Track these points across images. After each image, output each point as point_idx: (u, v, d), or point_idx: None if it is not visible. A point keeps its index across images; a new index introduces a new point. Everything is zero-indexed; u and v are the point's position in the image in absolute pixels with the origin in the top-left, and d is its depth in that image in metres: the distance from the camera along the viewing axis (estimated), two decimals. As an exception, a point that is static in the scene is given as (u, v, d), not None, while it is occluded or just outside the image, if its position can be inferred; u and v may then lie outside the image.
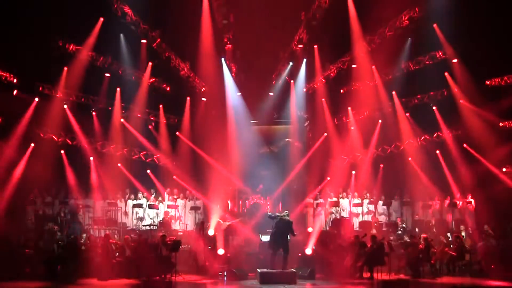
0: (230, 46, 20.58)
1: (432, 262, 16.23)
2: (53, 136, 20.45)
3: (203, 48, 19.95)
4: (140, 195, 20.25)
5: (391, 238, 17.35)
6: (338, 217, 19.32)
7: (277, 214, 15.56)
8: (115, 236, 17.95)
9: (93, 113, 21.10)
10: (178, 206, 20.27)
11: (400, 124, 21.52)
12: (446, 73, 20.42)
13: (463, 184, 20.20)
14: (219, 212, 18.05)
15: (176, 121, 22.55)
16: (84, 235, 17.07)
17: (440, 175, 20.16)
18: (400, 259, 16.39)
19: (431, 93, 21.31)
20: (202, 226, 17.45)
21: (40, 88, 19.95)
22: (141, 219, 19.77)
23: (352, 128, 22.03)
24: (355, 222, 20.00)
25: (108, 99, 21.14)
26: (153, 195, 20.40)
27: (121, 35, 20.08)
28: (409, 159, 21.28)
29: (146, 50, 20.63)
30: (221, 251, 16.35)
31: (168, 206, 20.13)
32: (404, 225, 18.94)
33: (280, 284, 14.21)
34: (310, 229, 18.48)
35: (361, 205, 20.34)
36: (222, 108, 21.24)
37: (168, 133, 22.30)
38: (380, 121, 21.79)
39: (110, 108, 21.25)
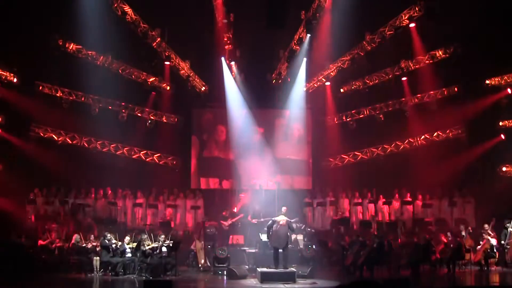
0: (230, 45, 20.50)
1: (432, 261, 16.23)
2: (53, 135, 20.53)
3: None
4: None
5: (391, 237, 17.34)
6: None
7: (273, 219, 14.98)
8: None
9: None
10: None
11: (400, 122, 21.51)
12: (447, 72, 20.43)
13: (463, 183, 20.22)
14: None
15: (176, 120, 22.47)
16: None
17: (440, 174, 20.12)
18: (400, 258, 16.38)
19: (431, 92, 21.29)
20: (202, 225, 17.43)
21: (40, 88, 19.98)
22: None
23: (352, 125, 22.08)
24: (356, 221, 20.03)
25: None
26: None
27: None
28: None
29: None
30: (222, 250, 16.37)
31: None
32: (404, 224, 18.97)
33: (280, 283, 14.22)
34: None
35: (360, 204, 20.37)
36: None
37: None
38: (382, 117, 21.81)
39: (110, 107, 21.24)
